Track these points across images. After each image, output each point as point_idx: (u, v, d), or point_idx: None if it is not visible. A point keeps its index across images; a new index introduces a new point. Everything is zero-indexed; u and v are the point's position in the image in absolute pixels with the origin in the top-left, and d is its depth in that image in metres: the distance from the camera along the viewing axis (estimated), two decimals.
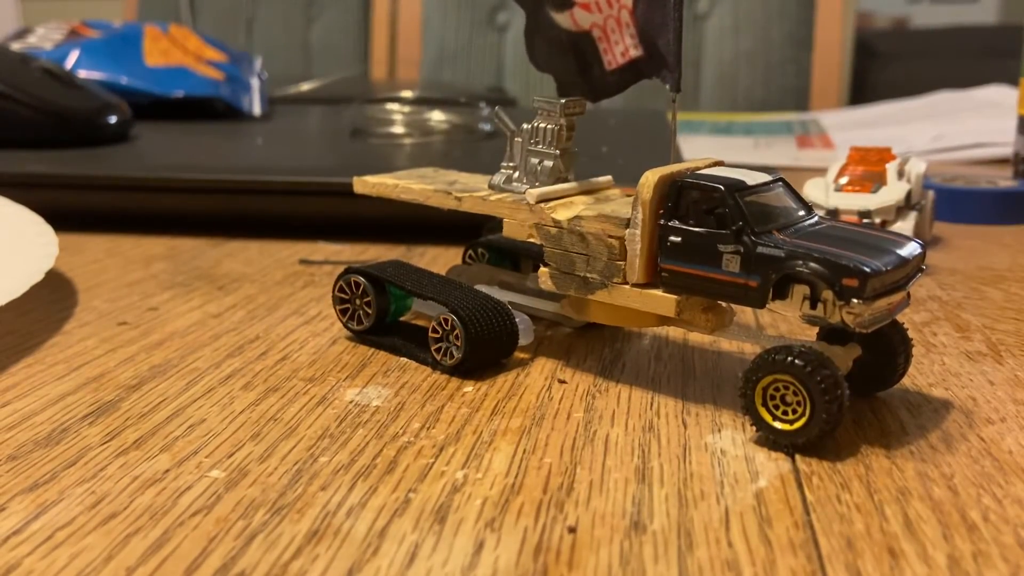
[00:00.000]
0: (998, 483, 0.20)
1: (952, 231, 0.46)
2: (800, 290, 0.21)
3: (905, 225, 0.38)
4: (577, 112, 0.28)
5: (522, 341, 0.27)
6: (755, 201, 0.23)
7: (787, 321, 0.31)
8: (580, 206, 0.26)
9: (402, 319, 0.30)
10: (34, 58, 0.58)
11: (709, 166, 0.24)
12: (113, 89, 0.62)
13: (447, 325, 0.26)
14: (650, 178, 0.23)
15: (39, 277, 0.29)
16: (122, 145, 0.54)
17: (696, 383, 0.26)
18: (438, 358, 0.26)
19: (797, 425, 0.21)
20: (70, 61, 0.66)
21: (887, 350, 0.24)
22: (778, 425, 0.21)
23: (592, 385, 0.25)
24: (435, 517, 0.18)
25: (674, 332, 0.30)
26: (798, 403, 0.21)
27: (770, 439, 0.21)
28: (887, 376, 0.24)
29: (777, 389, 0.21)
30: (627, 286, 0.24)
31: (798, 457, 0.21)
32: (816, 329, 0.25)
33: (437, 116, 0.59)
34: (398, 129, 0.58)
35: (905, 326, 0.24)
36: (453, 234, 0.42)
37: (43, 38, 0.70)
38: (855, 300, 0.21)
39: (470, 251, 0.33)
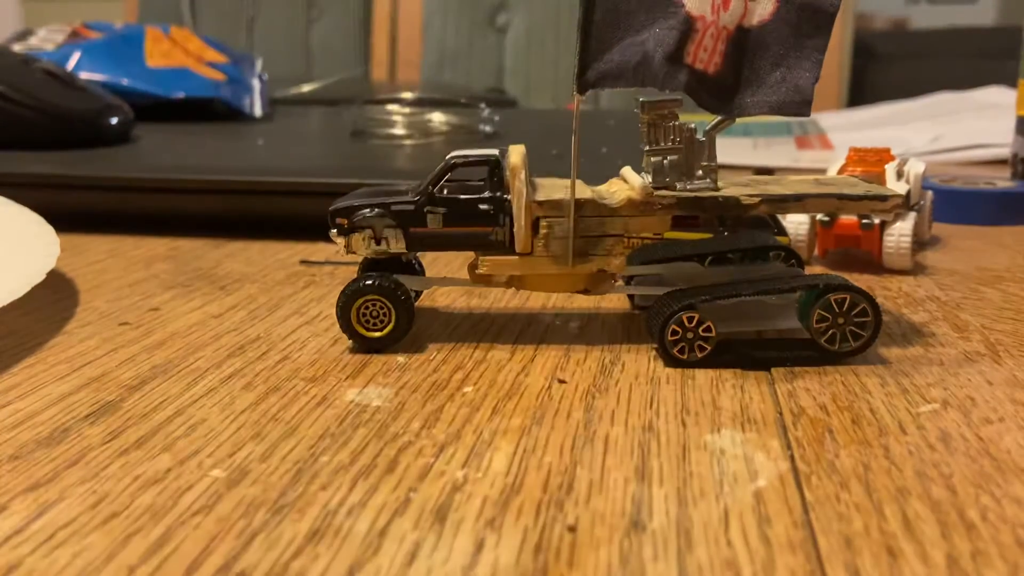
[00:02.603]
0: (996, 483, 0.20)
1: (951, 232, 0.46)
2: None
3: (904, 225, 0.38)
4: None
5: None
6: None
7: None
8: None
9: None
10: (35, 59, 0.58)
11: None
12: (114, 90, 0.62)
13: None
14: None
15: (41, 278, 0.29)
16: (123, 146, 0.54)
17: (696, 383, 0.26)
18: None
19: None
20: (71, 62, 0.66)
21: None
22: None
23: (592, 385, 0.25)
24: (435, 516, 0.18)
25: None
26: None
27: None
28: None
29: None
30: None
31: (797, 457, 0.21)
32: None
33: (438, 117, 0.59)
34: (399, 130, 0.58)
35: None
36: None
37: (44, 40, 0.70)
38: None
39: None
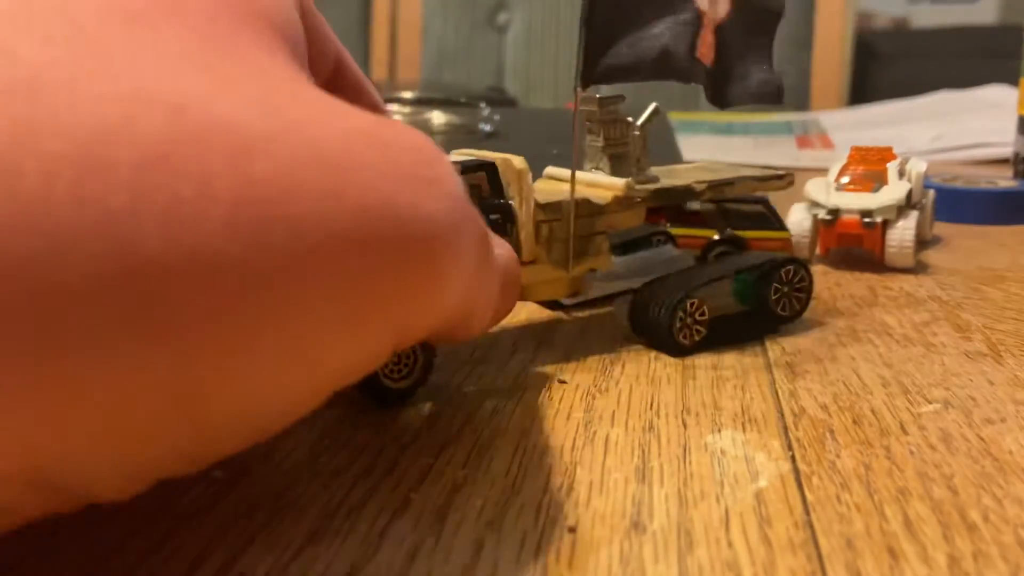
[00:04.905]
0: (998, 483, 0.20)
1: (952, 231, 0.46)
2: None
3: (906, 224, 0.38)
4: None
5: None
6: None
7: None
8: None
9: None
10: None
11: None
12: None
13: None
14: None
15: None
16: None
17: (696, 383, 0.26)
18: None
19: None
20: None
21: None
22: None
23: (592, 385, 0.25)
24: (435, 517, 0.18)
25: None
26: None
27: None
28: None
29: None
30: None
31: (798, 457, 0.21)
32: None
33: (437, 116, 0.59)
34: None
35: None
36: None
37: None
38: None
39: None
